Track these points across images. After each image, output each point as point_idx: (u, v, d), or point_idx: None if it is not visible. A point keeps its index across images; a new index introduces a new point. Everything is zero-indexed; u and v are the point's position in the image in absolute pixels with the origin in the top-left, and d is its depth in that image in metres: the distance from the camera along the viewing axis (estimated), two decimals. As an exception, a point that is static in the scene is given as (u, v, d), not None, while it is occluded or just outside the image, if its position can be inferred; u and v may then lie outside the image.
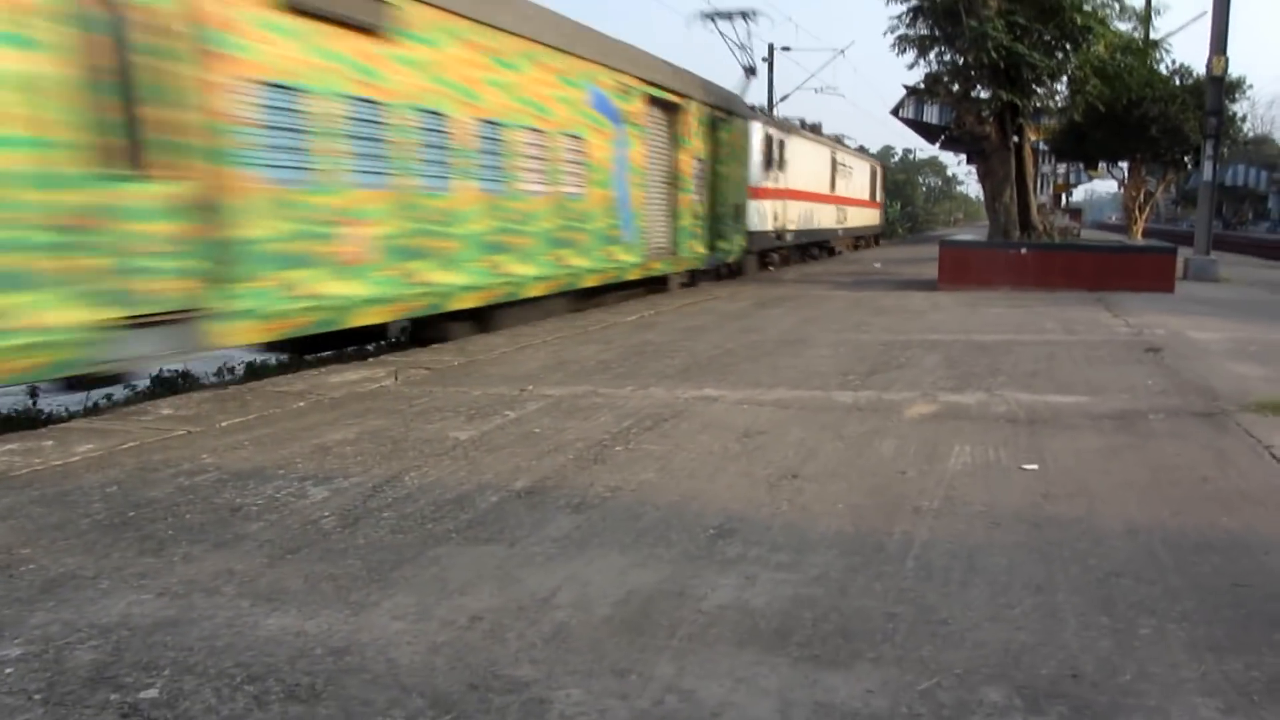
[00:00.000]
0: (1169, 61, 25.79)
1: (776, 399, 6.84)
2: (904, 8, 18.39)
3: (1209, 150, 18.89)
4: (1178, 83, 25.19)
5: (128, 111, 6.50)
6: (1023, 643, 2.98)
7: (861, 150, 37.94)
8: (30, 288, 5.88)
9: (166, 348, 6.95)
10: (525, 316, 11.79)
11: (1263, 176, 69.70)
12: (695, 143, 16.91)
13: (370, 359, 9.04)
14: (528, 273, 11.46)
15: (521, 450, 5.38)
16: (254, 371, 11.11)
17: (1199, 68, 23.05)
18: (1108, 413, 6.37)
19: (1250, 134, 52.55)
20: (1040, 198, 28.88)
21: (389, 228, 8.99)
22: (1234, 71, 21.96)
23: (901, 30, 18.62)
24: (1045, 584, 3.44)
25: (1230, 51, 18.25)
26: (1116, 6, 18.57)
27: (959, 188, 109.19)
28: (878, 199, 42.18)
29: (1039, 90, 19.28)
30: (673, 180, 16.12)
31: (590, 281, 13.16)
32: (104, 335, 6.31)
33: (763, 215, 21.68)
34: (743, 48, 25.80)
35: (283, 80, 7.73)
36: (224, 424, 6.07)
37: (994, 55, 16.87)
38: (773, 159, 22.52)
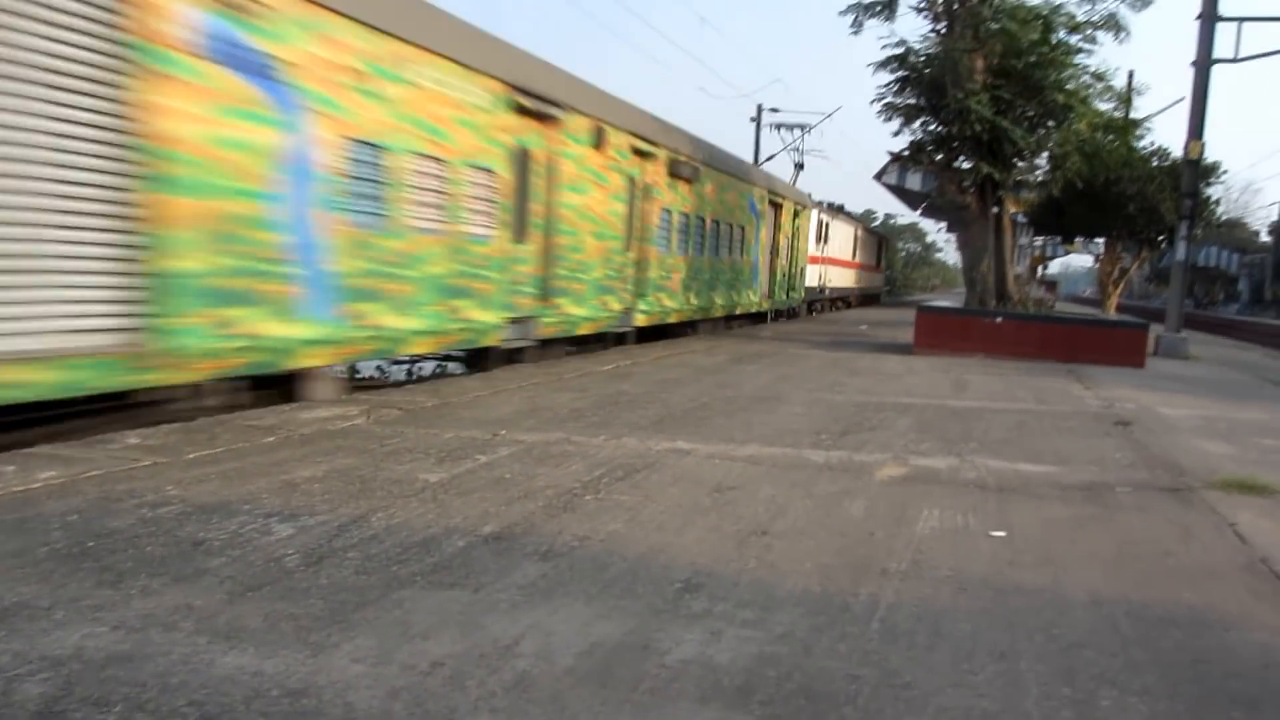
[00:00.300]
0: (1148, 142, 26.41)
1: (749, 455, 6.85)
2: (892, 77, 18.76)
3: (1183, 231, 19.25)
4: (1155, 164, 25.75)
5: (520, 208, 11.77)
6: (984, 709, 2.97)
7: (871, 227, 48.99)
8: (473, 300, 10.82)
9: (523, 335, 11.99)
10: (714, 330, 20.83)
11: (1234, 259, 71.12)
12: (786, 225, 26.19)
13: (343, 397, 8.99)
14: (725, 301, 21.25)
15: (491, 495, 5.35)
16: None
17: (1176, 150, 23.59)
18: (1076, 484, 6.41)
19: (1224, 217, 53.62)
20: (1017, 268, 29.25)
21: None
22: (1210, 156, 22.46)
23: (888, 99, 18.98)
24: (1009, 651, 3.45)
25: (1207, 137, 18.67)
26: (1098, 86, 19.03)
27: (937, 254, 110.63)
28: (881, 265, 52.89)
29: (1020, 164, 19.64)
30: (774, 251, 25.26)
31: (743, 310, 22.86)
32: (505, 325, 11.48)
33: (813, 276, 30.74)
34: (796, 150, 35.12)
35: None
36: (191, 456, 6.01)
37: (977, 128, 17.19)
38: (822, 235, 31.80)
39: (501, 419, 7.86)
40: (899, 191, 34.78)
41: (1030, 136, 18.04)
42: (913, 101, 18.80)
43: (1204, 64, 18.47)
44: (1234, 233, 69.39)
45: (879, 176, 30.06)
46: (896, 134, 19.74)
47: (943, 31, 18.33)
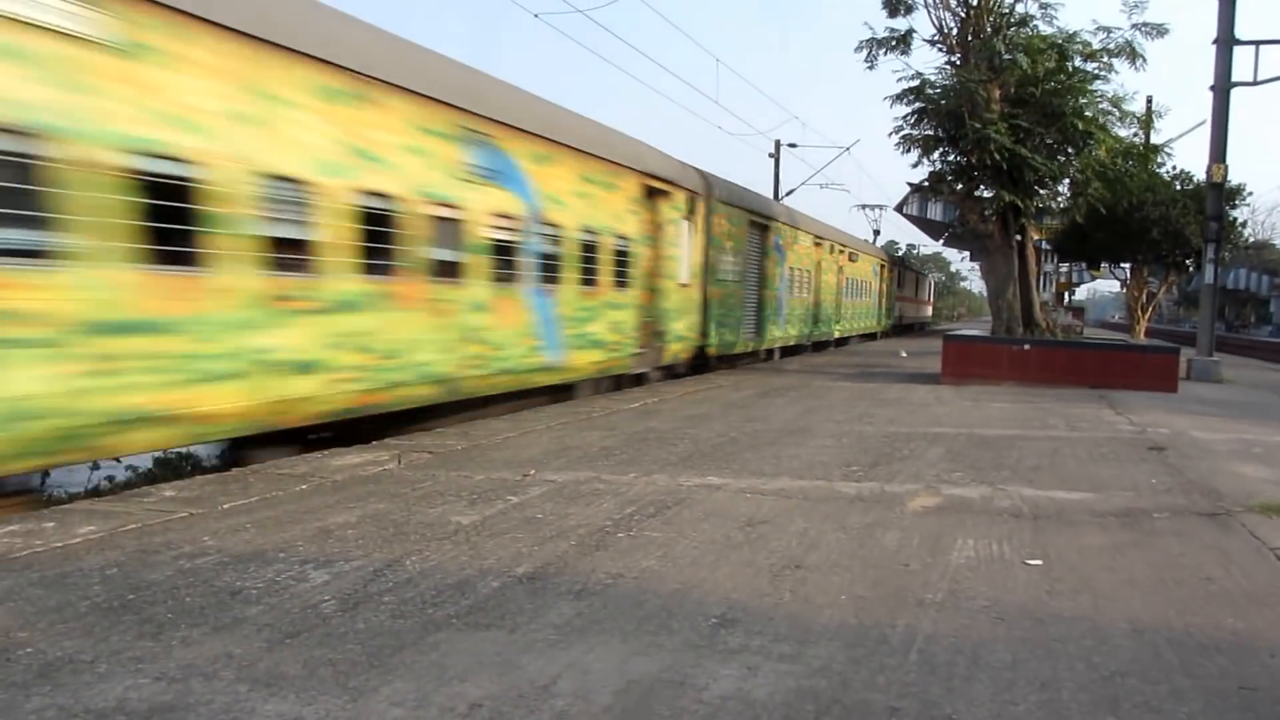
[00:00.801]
0: (1170, 166, 26.29)
1: (779, 488, 6.83)
2: (909, 109, 18.83)
3: (1210, 254, 19.12)
4: (1179, 187, 25.61)
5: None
6: (1027, 741, 2.94)
7: (921, 271, 65.09)
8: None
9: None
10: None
11: (1264, 281, 70.37)
12: (885, 275, 40.90)
13: (374, 442, 9.05)
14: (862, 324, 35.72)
15: (524, 535, 5.37)
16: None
17: (1200, 173, 23.50)
18: (1112, 510, 6.35)
19: (1251, 239, 53.13)
20: (1043, 295, 29.12)
21: None
22: (1234, 178, 22.38)
23: (906, 130, 19.04)
24: (1050, 681, 3.41)
25: (1230, 159, 18.60)
26: (1117, 113, 19.00)
27: (962, 283, 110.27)
28: (929, 298, 71.14)
29: (1041, 191, 19.60)
30: (888, 294, 42.48)
31: (868, 330, 37.25)
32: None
33: (896, 309, 46.17)
34: (875, 224, 47.20)
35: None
36: (226, 506, 6.07)
37: (997, 157, 17.20)
38: (899, 281, 46.95)
39: (531, 459, 7.89)
40: (920, 222, 34.86)
41: (1050, 164, 18.02)
42: (930, 132, 18.85)
43: (1223, 87, 18.44)
44: (1262, 254, 68.73)
45: (900, 208, 30.13)
46: (915, 165, 19.79)
47: (957, 63, 18.42)
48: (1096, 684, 3.40)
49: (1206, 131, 18.96)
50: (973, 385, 15.89)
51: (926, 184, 20.90)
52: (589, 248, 13.13)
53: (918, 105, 18.69)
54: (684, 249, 16.69)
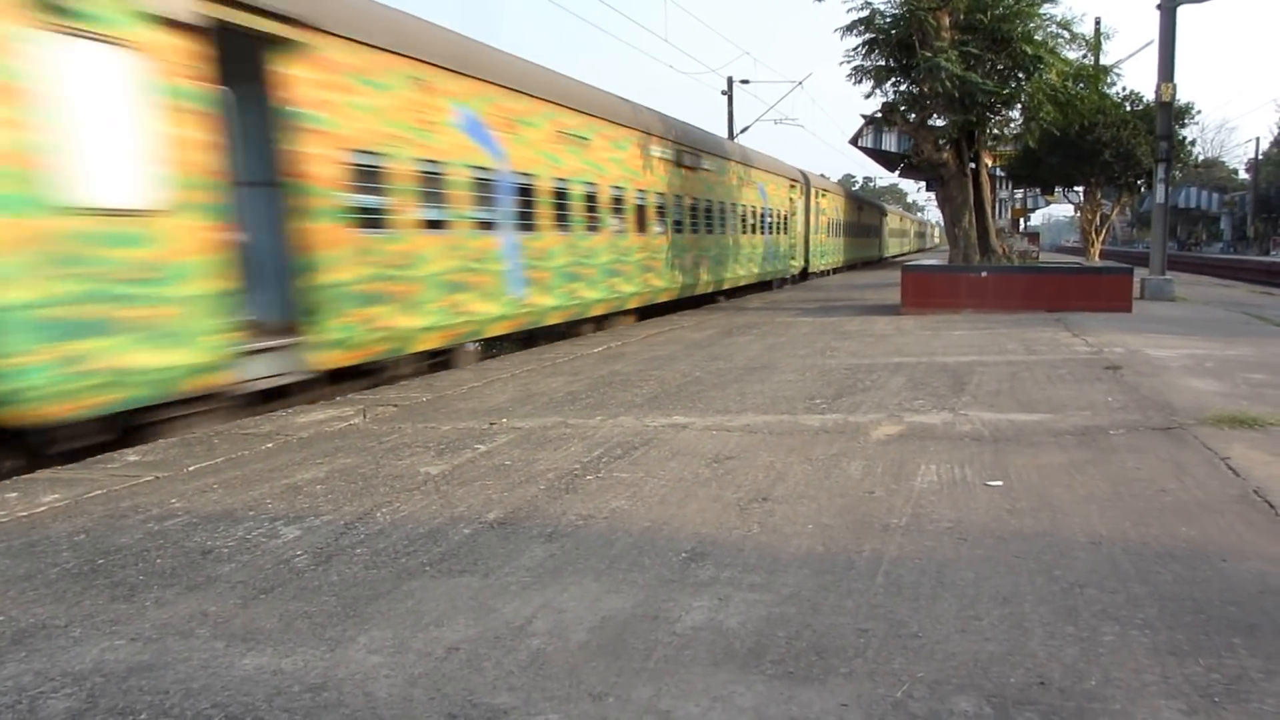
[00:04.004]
0: (1120, 87, 26.45)
1: (745, 424, 6.91)
2: (860, 40, 18.74)
3: (1160, 173, 19.31)
4: (1129, 108, 25.81)
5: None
6: (991, 653, 3.04)
7: (872, 200, 65.16)
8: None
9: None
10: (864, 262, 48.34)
11: (1214, 199, 71.28)
12: (894, 218, 65.67)
13: (338, 398, 9.01)
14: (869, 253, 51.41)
15: (493, 483, 5.40)
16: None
17: (1149, 94, 23.66)
18: (1069, 429, 6.48)
19: (1200, 157, 53.66)
20: (999, 222, 29.34)
21: None
22: (1182, 97, 22.56)
23: (858, 61, 18.97)
24: (1012, 595, 3.51)
25: (1178, 78, 18.72)
26: (1066, 35, 19.01)
27: (919, 213, 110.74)
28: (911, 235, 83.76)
29: (993, 117, 19.67)
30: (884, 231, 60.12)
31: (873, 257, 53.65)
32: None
33: (893, 244, 63.41)
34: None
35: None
36: (192, 468, 6.04)
37: (948, 85, 17.20)
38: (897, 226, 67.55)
39: (497, 408, 7.90)
40: (876, 154, 34.85)
41: (1002, 89, 18.05)
42: (882, 63, 18.79)
43: (1169, 5, 18.46)
44: (1212, 172, 69.61)
45: (855, 141, 30.09)
46: (868, 96, 19.75)
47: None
48: (1056, 596, 3.50)
49: (1154, 51, 19.05)
50: (933, 314, 16.04)
51: (880, 115, 20.87)
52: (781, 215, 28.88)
53: (868, 36, 18.61)
54: (799, 215, 31.28)
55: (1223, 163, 76.95)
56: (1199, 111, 27.17)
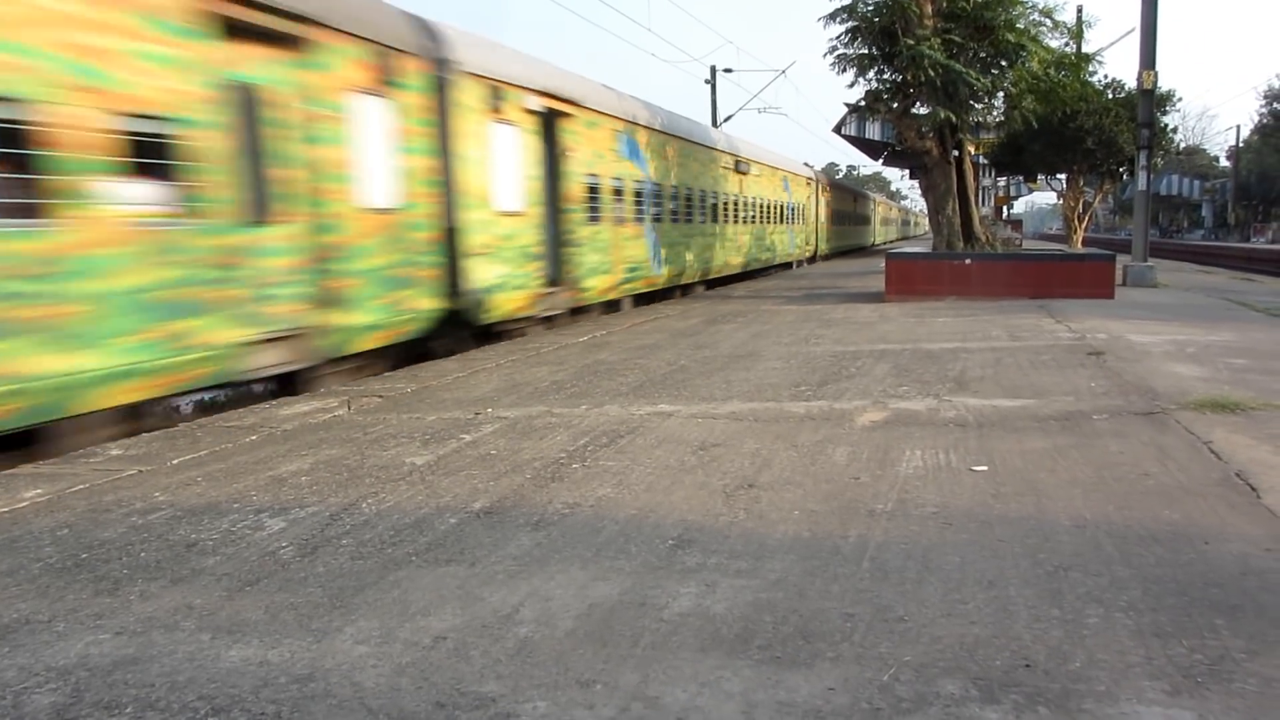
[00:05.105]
0: (1102, 75, 26.55)
1: (730, 412, 6.91)
2: (842, 29, 18.73)
3: (1142, 160, 19.41)
4: (1111, 96, 25.90)
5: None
6: (977, 636, 3.05)
7: (891, 199, 76.63)
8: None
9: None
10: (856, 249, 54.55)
11: (1196, 186, 71.76)
12: (882, 208, 72.45)
13: (321, 389, 8.98)
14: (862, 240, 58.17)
15: (478, 472, 5.39)
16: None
17: (1131, 82, 23.76)
18: (1053, 414, 6.52)
19: (1182, 144, 54.01)
20: (982, 210, 29.40)
21: None
22: (1164, 85, 22.66)
23: (841, 50, 18.95)
24: (997, 579, 3.53)
25: (1160, 66, 18.79)
26: (1048, 23, 19.05)
27: (903, 201, 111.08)
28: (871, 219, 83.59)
29: (976, 106, 19.69)
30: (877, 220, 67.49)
31: (862, 244, 57.96)
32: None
33: (881, 231, 67.34)
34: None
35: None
36: (175, 461, 6.01)
37: (931, 73, 17.21)
38: (885, 215, 73.69)
39: (482, 397, 7.88)
40: (859, 142, 34.85)
41: (984, 78, 18.08)
42: (865, 51, 18.79)
43: (1151, -8, 18.53)
44: (1193, 160, 70.06)
45: (838, 129, 30.10)
46: (852, 85, 19.76)
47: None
48: (1041, 579, 3.53)
49: (1136, 39, 19.12)
50: (917, 301, 16.09)
51: (863, 104, 20.87)
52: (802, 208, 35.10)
53: (851, 24, 18.60)
54: (813, 207, 37.17)
55: (1204, 150, 77.44)
56: (1180, 99, 27.36)
